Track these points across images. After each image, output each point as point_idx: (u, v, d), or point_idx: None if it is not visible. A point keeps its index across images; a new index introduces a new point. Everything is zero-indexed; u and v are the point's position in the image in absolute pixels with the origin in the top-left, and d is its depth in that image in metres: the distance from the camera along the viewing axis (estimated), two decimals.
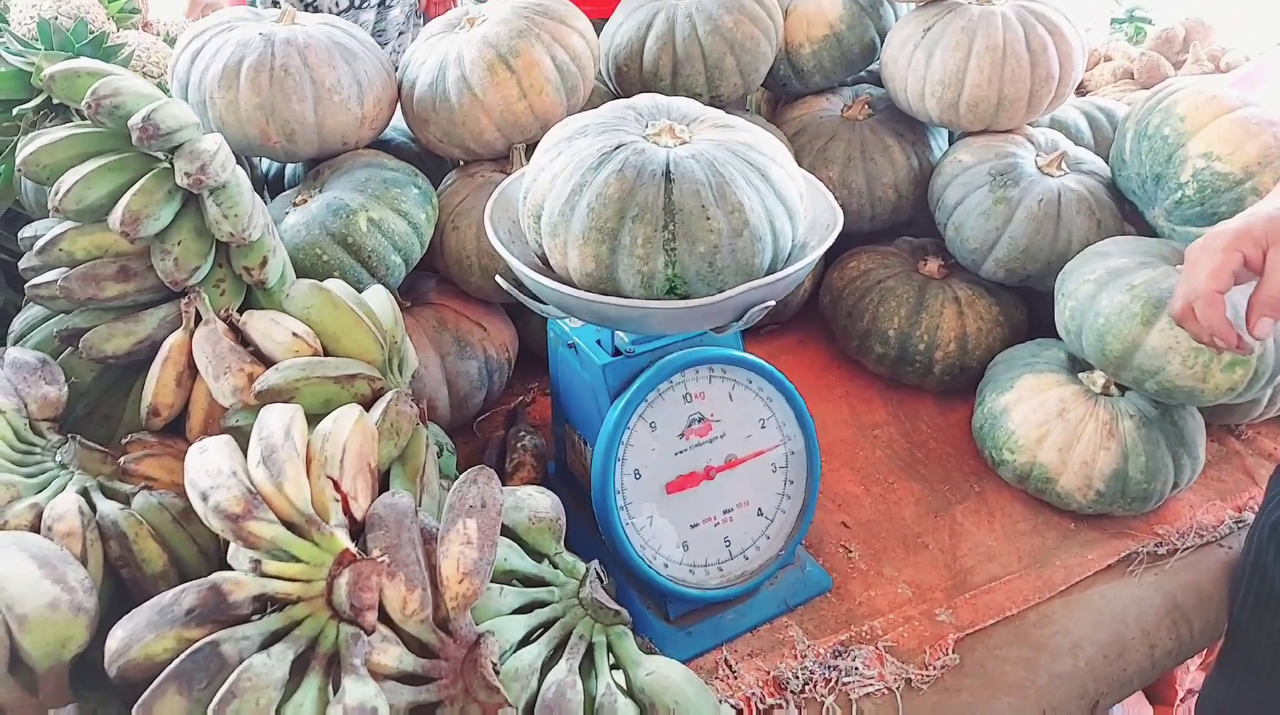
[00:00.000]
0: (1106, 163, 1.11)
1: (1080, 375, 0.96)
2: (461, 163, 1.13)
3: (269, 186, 1.14)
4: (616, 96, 1.21)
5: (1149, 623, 0.85)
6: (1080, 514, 0.94)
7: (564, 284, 0.70)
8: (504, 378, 1.05)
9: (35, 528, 0.60)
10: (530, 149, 1.06)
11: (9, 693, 0.52)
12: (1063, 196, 1.03)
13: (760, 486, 0.81)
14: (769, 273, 0.69)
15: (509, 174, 1.05)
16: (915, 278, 1.11)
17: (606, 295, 0.68)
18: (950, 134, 1.26)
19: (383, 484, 0.67)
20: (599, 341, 0.80)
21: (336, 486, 0.58)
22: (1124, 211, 1.07)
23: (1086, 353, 0.92)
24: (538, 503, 0.68)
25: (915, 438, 1.07)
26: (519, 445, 0.94)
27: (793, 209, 0.71)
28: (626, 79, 1.17)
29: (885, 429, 1.08)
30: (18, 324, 0.81)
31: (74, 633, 0.52)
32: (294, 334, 0.71)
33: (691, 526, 0.79)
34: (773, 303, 0.70)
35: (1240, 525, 0.94)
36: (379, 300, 0.80)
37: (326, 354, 0.73)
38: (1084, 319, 0.91)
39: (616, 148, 0.69)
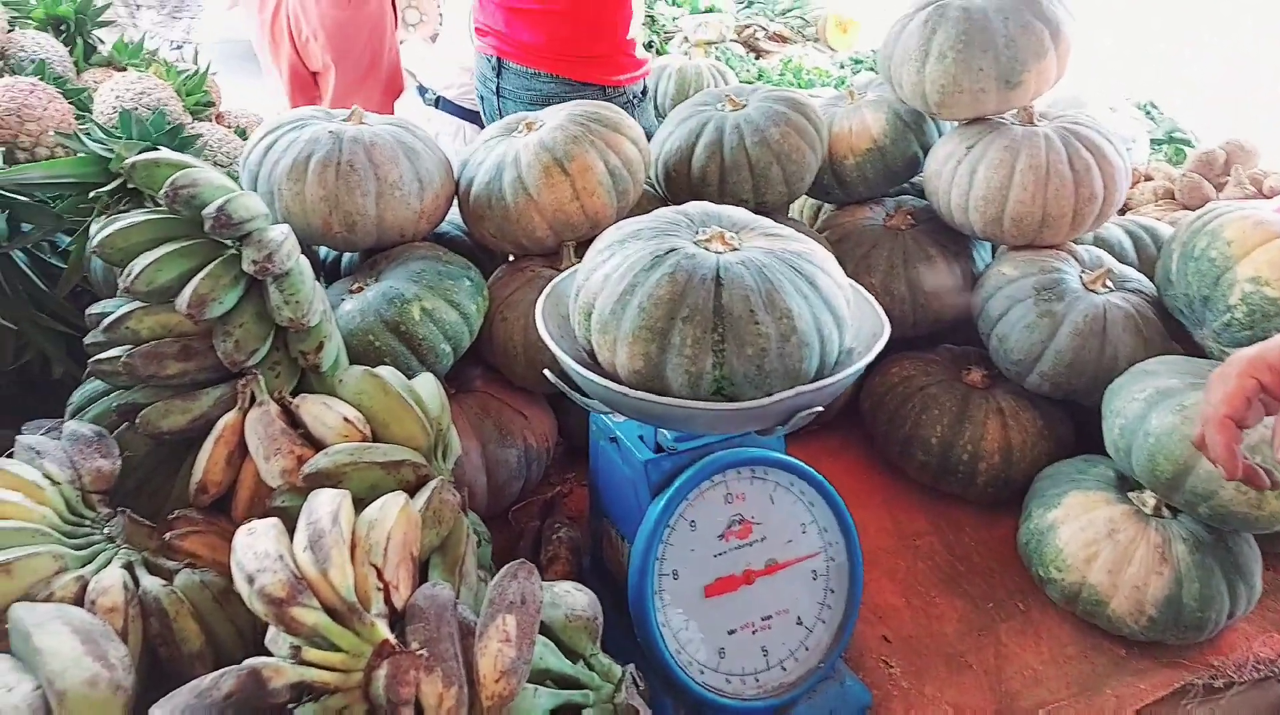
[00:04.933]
0: (1151, 281, 1.11)
1: (1130, 494, 0.94)
2: (512, 257, 1.16)
3: (325, 272, 1.17)
4: (665, 200, 1.25)
5: None
6: (1131, 640, 0.91)
7: (612, 380, 0.71)
8: (542, 467, 1.05)
9: (79, 601, 0.60)
10: (580, 246, 1.09)
11: None
12: (1108, 313, 1.03)
13: (800, 594, 0.79)
14: (816, 378, 0.70)
15: (559, 269, 1.08)
16: (958, 386, 1.11)
17: (653, 393, 0.69)
18: (993, 245, 1.28)
19: (421, 572, 0.66)
20: (641, 437, 0.81)
21: (380, 575, 0.58)
22: (1170, 330, 1.06)
23: (1137, 473, 0.90)
24: (575, 600, 0.67)
25: (958, 550, 1.04)
26: (555, 537, 0.93)
27: (840, 316, 0.72)
28: (675, 184, 1.21)
29: (927, 539, 1.06)
30: (77, 396, 0.83)
31: (112, 711, 0.52)
32: (345, 419, 0.72)
33: (729, 633, 0.77)
34: (819, 408, 0.70)
35: None
36: (428, 388, 0.81)
37: (375, 439, 0.74)
38: (1133, 438, 0.89)
39: (669, 252, 0.71)
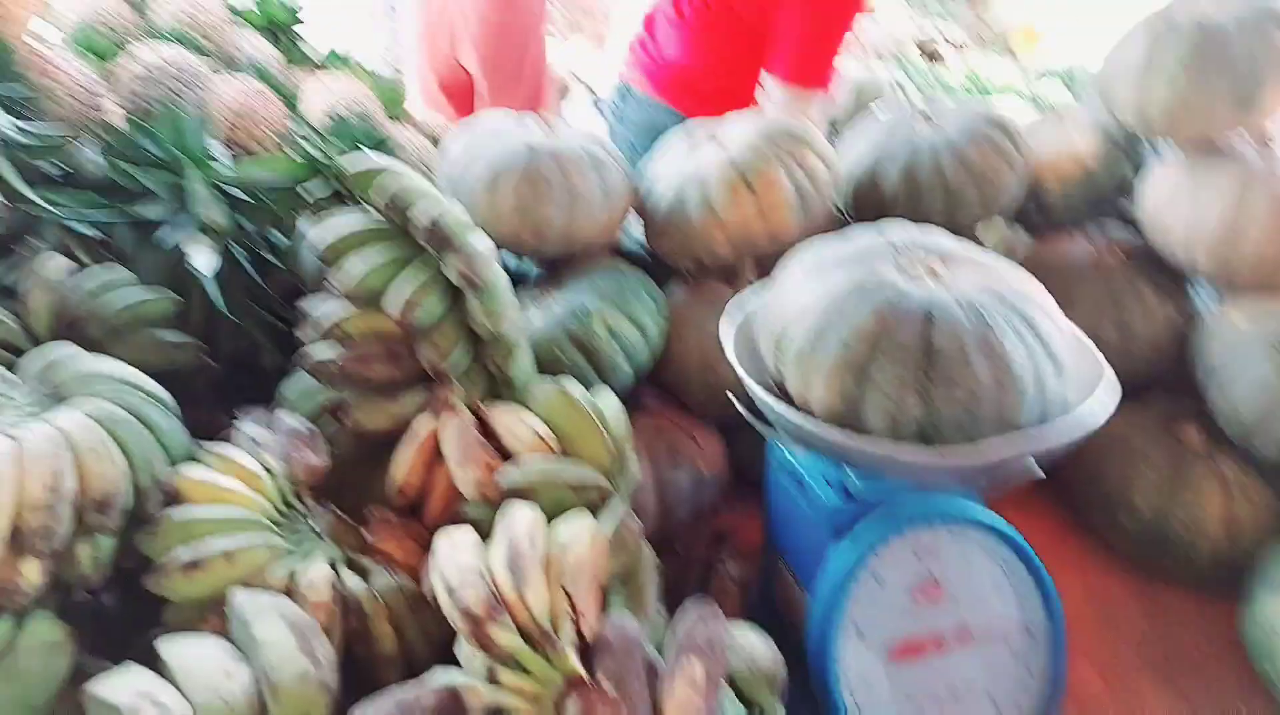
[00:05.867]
0: None
1: None
2: (688, 273, 1.15)
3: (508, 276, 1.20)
4: (848, 217, 1.21)
5: None
6: None
7: (804, 415, 0.69)
8: (712, 494, 1.03)
9: (289, 592, 0.63)
10: (758, 261, 1.07)
11: None
12: None
13: (994, 672, 0.73)
14: (1029, 429, 0.65)
15: (736, 287, 1.06)
16: (1170, 444, 1.01)
17: (848, 431, 0.66)
18: (1218, 287, 1.16)
19: (603, 601, 0.66)
20: (827, 480, 0.77)
21: (571, 601, 0.58)
22: None
23: None
24: (758, 649, 0.65)
25: (1168, 634, 0.93)
26: (724, 571, 0.92)
27: (1060, 364, 0.67)
28: (862, 203, 1.17)
29: (1130, 619, 0.95)
30: (288, 390, 0.88)
31: (316, 709, 0.54)
32: (536, 434, 0.73)
33: (915, 702, 0.72)
34: (1039, 471, 0.65)
35: None
36: (612, 408, 0.81)
37: (562, 455, 0.75)
38: None
39: (875, 283, 0.68)
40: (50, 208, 0.92)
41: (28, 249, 0.89)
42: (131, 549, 0.62)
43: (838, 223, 1.21)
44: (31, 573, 0.54)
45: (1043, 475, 0.66)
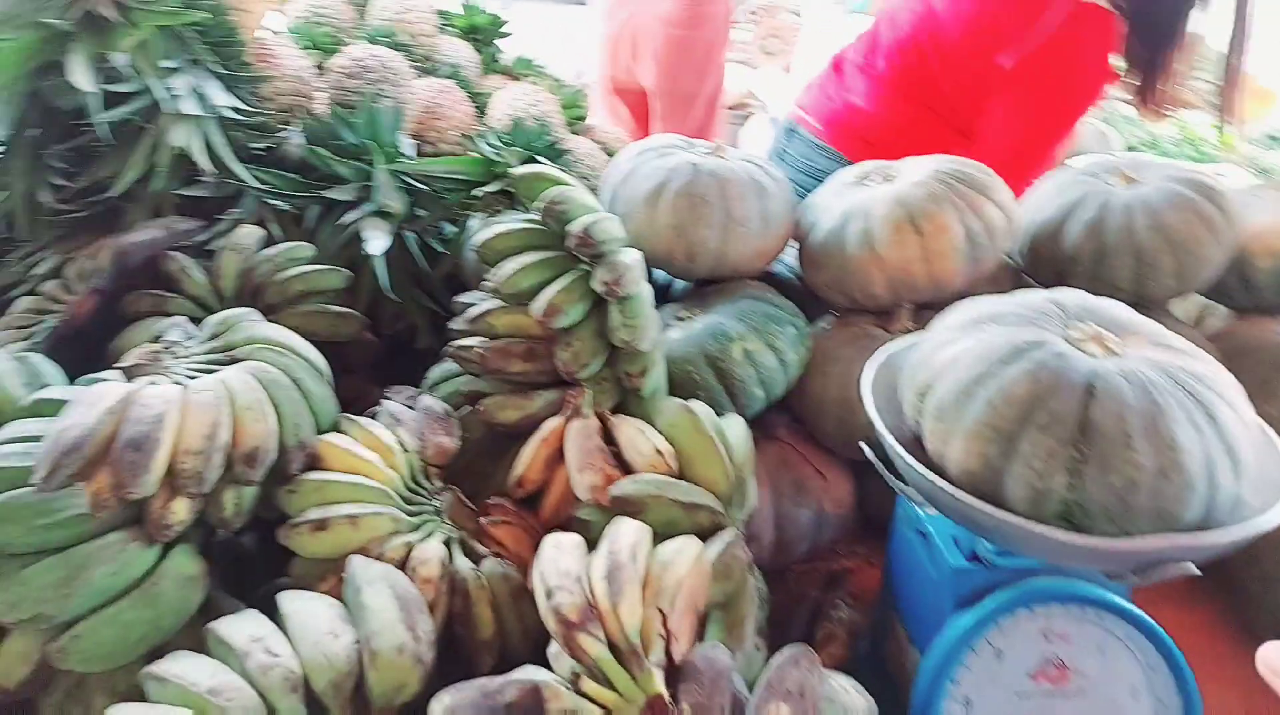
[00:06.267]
0: None
1: None
2: (840, 309, 1.12)
3: (656, 292, 1.21)
4: (1022, 272, 1.14)
5: None
6: None
7: (937, 473, 0.65)
8: (833, 535, 1.00)
9: (402, 565, 0.66)
10: (917, 308, 1.03)
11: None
12: None
13: None
14: (1195, 529, 0.58)
15: (889, 331, 1.02)
16: None
17: (984, 500, 0.62)
18: None
19: (699, 626, 0.65)
20: (955, 539, 0.73)
21: (664, 621, 0.57)
22: None
23: None
24: (854, 703, 0.62)
25: None
26: (834, 615, 0.88)
27: (1240, 461, 0.60)
28: (1039, 258, 1.10)
29: None
30: (433, 373, 0.93)
31: (410, 681, 0.56)
32: (657, 449, 0.73)
33: None
34: (1192, 567, 0.59)
35: None
36: (737, 433, 0.80)
37: (680, 474, 0.74)
38: None
39: (1034, 345, 0.64)
40: (254, 183, 1.02)
41: (229, 218, 0.99)
42: (271, 502, 0.67)
43: (1011, 276, 1.14)
44: (181, 510, 0.59)
45: (1199, 574, 0.60)
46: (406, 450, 0.76)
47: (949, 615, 0.69)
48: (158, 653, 0.55)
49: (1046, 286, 1.09)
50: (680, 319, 1.01)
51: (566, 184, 0.86)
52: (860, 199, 1.04)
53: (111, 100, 0.90)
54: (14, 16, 0.87)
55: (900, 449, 0.67)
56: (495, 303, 0.83)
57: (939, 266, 0.98)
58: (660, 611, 0.58)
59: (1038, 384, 0.61)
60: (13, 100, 0.90)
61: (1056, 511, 0.59)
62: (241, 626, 0.55)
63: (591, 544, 0.63)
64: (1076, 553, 0.59)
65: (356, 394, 0.97)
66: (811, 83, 1.99)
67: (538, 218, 0.83)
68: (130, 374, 0.65)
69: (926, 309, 1.01)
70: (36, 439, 0.58)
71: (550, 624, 0.56)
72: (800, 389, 1.01)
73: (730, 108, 3.84)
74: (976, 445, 0.62)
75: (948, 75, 1.69)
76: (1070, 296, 0.70)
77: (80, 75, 0.85)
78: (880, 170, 1.09)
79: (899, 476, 0.71)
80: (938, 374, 0.68)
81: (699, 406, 0.77)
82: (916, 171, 1.04)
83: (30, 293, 0.88)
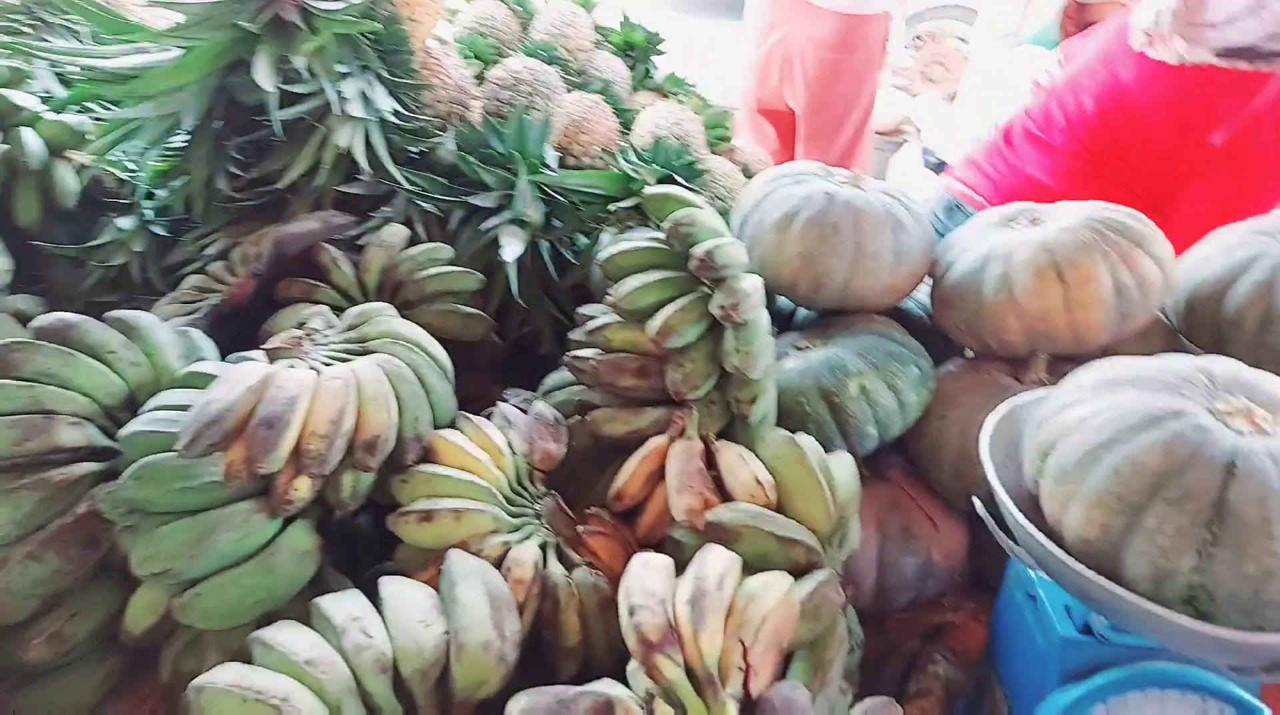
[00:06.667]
0: None
1: None
2: (971, 352, 1.08)
3: (779, 323, 1.20)
4: (1175, 332, 1.06)
5: None
6: None
7: (1053, 539, 0.62)
8: (939, 586, 0.96)
9: (498, 564, 0.68)
10: (1054, 361, 0.97)
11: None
12: None
13: None
14: None
15: (1021, 382, 0.97)
16: None
17: (1101, 573, 0.58)
18: None
19: (784, 664, 0.64)
20: (1068, 607, 0.69)
21: (745, 654, 0.57)
22: None
23: None
24: None
25: None
26: (931, 669, 0.85)
27: None
28: (1196, 319, 1.02)
29: None
30: (549, 380, 0.95)
31: (492, 678, 0.58)
32: (756, 479, 0.73)
33: None
34: None
35: None
36: (844, 471, 0.78)
37: (779, 508, 0.73)
38: None
39: (1173, 414, 0.59)
40: (405, 185, 1.08)
41: (380, 216, 1.05)
42: (385, 488, 0.71)
43: (1164, 335, 1.07)
44: (303, 488, 0.63)
45: None
46: (515, 452, 0.78)
47: (1054, 687, 0.65)
48: (268, 619, 0.60)
49: (1204, 349, 1.01)
50: (799, 349, 1.00)
51: (695, 206, 0.87)
52: (1003, 241, 1.00)
53: (287, 99, 0.98)
54: (210, 18, 0.96)
55: (1014, 508, 0.64)
56: (613, 317, 0.85)
57: (1082, 318, 0.93)
58: (742, 643, 0.58)
59: (1172, 456, 0.57)
60: (202, 94, 0.99)
61: (1180, 594, 0.55)
62: (343, 605, 0.59)
63: (682, 566, 0.63)
64: (1200, 641, 0.54)
65: (479, 392, 1.01)
66: (971, 158, 1.89)
67: (663, 237, 0.84)
68: (273, 356, 0.71)
69: (1066, 362, 0.96)
70: (185, 408, 0.64)
71: (630, 641, 0.56)
72: (919, 431, 0.98)
73: (884, 133, 3.75)
74: (1097, 513, 0.59)
75: (1142, 151, 1.58)
76: (1222, 365, 0.65)
77: (263, 75, 0.93)
78: (1028, 213, 1.04)
79: (1011, 536, 0.67)
80: (1063, 433, 0.65)
81: (806, 440, 0.76)
82: (1067, 217, 0.99)
83: (199, 271, 0.96)
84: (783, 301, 1.22)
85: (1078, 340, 0.95)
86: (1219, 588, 0.54)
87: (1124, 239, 0.95)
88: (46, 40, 1.23)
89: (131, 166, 1.11)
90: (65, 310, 0.74)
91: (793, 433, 0.77)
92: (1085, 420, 0.63)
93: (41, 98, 1.07)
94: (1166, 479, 0.57)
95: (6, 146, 0.98)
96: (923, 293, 1.14)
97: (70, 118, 1.06)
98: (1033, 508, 0.66)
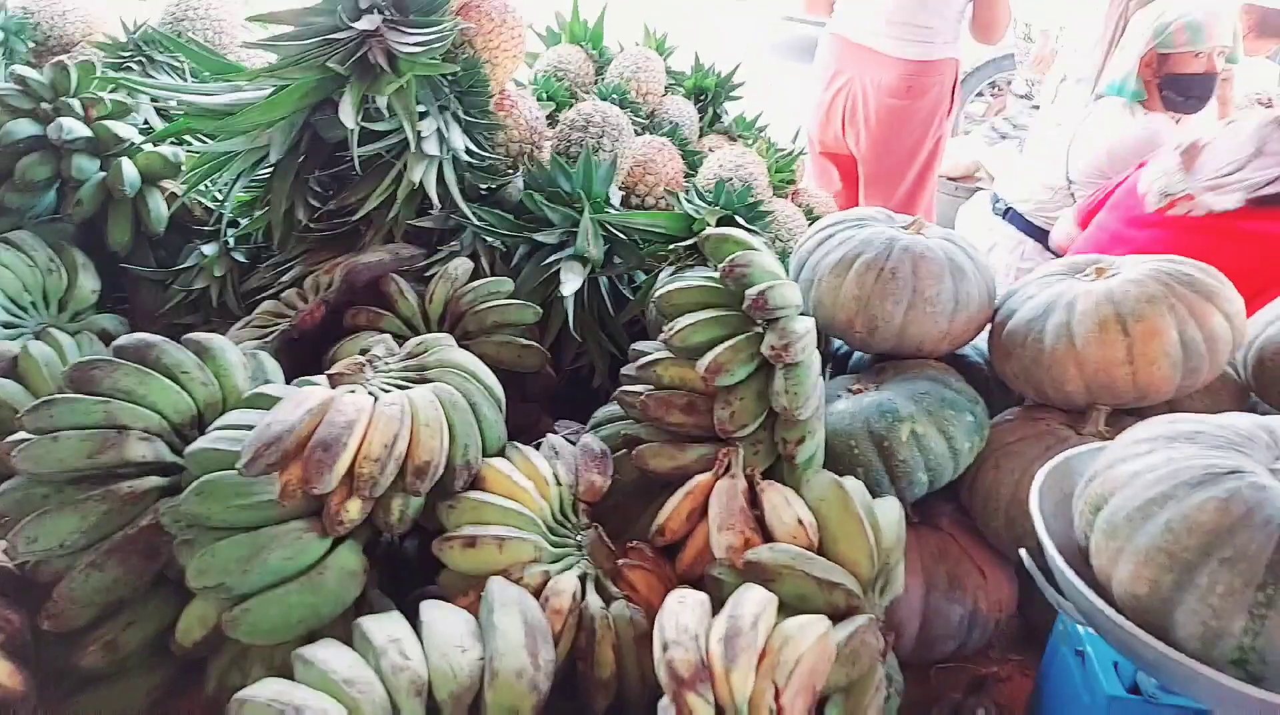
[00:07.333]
0: None
1: None
2: (1028, 401, 1.06)
3: (834, 364, 1.20)
4: (1246, 389, 1.02)
5: None
6: None
7: (1101, 595, 0.60)
8: (985, 637, 0.93)
9: (538, 592, 0.70)
10: (1114, 414, 0.95)
11: None
12: None
13: None
14: None
15: (1080, 433, 0.95)
16: None
17: (1150, 632, 0.56)
18: None
19: (819, 708, 0.63)
20: (1115, 665, 0.67)
21: (777, 695, 0.57)
22: None
23: None
24: None
25: None
26: None
27: None
28: (1268, 376, 0.98)
29: None
30: (601, 412, 0.97)
31: (524, 706, 0.59)
32: (799, 521, 0.73)
33: None
34: None
35: None
36: (889, 516, 0.77)
37: (821, 550, 0.73)
38: None
39: (1230, 472, 0.58)
40: (474, 220, 1.12)
41: (447, 249, 1.09)
42: (432, 513, 0.73)
43: (1234, 392, 1.03)
44: (354, 509, 0.66)
45: None
46: (560, 483, 0.80)
47: None
48: (313, 636, 0.62)
49: (1275, 407, 0.97)
50: (851, 391, 0.99)
51: (753, 248, 0.88)
52: (1066, 290, 0.98)
53: (367, 135, 1.03)
54: (302, 59, 1.02)
55: (1062, 562, 0.63)
56: (666, 353, 0.86)
57: (1145, 372, 0.91)
58: (774, 685, 0.57)
59: (1227, 515, 0.55)
60: (289, 130, 1.05)
61: (1231, 656, 0.53)
62: (383, 626, 0.60)
63: (721, 604, 0.63)
64: (1250, 705, 0.52)
65: (531, 421, 1.04)
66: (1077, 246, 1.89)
67: (719, 277, 0.86)
68: (335, 381, 0.74)
69: (1128, 415, 0.93)
70: (248, 428, 0.67)
71: (662, 677, 0.56)
72: (972, 479, 0.96)
73: (955, 179, 3.71)
74: (1148, 570, 0.57)
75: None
76: None
77: (348, 113, 0.98)
78: (1096, 263, 1.02)
79: (1059, 590, 0.66)
80: (1115, 487, 0.63)
81: (852, 484, 0.76)
82: (1136, 269, 0.97)
83: (273, 297, 1.01)
84: (838, 344, 1.22)
85: (1140, 394, 0.92)
86: (1271, 650, 0.52)
87: (1193, 292, 0.92)
88: (151, 77, 1.32)
89: (218, 196, 1.18)
90: (146, 330, 0.79)
91: (840, 476, 0.76)
92: (1139, 474, 0.61)
93: (141, 129, 1.15)
94: (1220, 537, 0.55)
95: (105, 174, 1.06)
96: (982, 340, 1.12)
97: (166, 149, 1.13)
98: (1082, 562, 0.64)
